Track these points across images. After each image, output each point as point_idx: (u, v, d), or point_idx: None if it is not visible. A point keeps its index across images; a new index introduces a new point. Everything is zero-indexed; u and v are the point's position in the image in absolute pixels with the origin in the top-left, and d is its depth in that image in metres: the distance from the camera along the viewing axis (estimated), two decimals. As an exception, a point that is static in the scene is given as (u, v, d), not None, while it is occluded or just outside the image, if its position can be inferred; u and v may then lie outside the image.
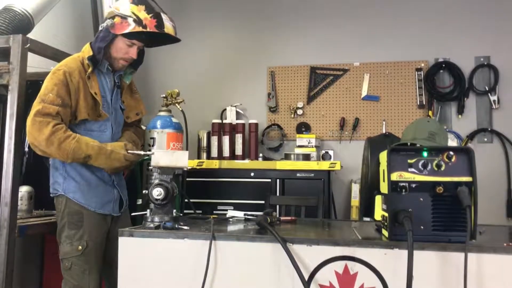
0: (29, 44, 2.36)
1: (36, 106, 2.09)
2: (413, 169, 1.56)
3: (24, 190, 2.59)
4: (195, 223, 1.99)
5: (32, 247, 3.11)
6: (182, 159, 2.01)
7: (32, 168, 2.88)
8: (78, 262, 2.13)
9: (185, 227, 1.81)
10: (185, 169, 2.13)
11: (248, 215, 2.17)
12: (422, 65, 3.93)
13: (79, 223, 2.17)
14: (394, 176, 1.56)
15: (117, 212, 2.31)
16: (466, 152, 1.56)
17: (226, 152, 3.93)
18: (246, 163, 3.67)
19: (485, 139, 3.79)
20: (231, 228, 1.97)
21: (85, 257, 2.14)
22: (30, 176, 2.80)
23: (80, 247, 2.13)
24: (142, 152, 2.20)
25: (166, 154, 2.00)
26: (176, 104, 3.42)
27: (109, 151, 2.13)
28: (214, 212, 3.35)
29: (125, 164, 2.20)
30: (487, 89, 3.79)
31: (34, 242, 3.10)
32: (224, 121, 4.04)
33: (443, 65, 3.87)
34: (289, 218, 2.28)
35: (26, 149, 2.94)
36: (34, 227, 2.44)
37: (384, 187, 1.62)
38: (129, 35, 2.22)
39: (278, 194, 3.48)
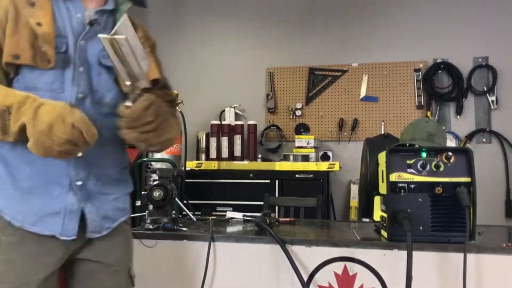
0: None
1: None
2: (412, 170, 1.56)
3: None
4: (194, 224, 1.99)
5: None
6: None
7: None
8: None
9: (184, 229, 1.81)
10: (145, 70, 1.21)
11: (247, 216, 2.17)
12: (421, 65, 3.93)
13: (1, 256, 1.21)
14: (393, 177, 1.56)
15: (73, 234, 1.24)
16: (465, 152, 1.57)
17: (225, 153, 3.92)
18: (245, 164, 3.67)
19: (484, 140, 3.79)
20: (230, 229, 1.97)
21: None
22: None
23: None
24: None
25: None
26: (175, 105, 3.43)
27: (41, 102, 1.14)
28: (213, 213, 3.35)
29: (68, 135, 1.10)
30: (485, 89, 3.79)
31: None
32: (223, 122, 4.04)
33: (442, 66, 3.87)
34: (288, 219, 2.28)
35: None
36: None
37: (383, 188, 1.62)
38: None
39: (277, 195, 3.48)
